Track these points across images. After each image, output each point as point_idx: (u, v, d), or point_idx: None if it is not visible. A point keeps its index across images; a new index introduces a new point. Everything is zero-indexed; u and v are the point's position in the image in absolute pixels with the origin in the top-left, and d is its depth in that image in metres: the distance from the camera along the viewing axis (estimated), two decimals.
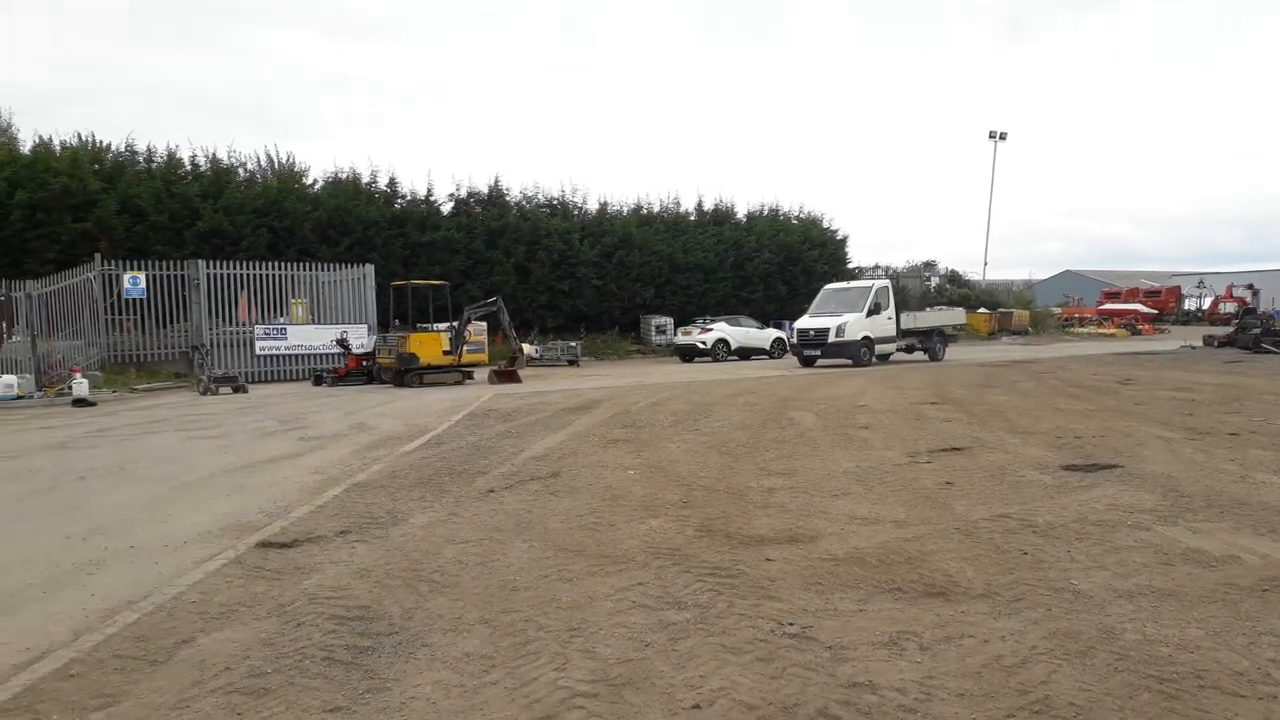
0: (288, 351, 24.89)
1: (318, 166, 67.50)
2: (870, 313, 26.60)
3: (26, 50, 71.94)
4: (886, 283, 28.91)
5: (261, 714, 3.38)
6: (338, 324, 25.37)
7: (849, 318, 26.27)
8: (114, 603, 4.89)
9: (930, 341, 28.78)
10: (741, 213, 44.55)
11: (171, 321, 24.74)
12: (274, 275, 25.51)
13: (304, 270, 26.17)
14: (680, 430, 11.27)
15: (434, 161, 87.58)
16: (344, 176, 34.88)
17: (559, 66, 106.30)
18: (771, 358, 32.11)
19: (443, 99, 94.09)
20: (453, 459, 9.55)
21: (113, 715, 3.42)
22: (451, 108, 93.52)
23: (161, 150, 32.05)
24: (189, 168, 31.92)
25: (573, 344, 31.05)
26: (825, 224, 46.22)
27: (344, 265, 27.29)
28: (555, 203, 39.37)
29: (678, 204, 43.03)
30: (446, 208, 36.64)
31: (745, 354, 32.07)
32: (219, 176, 31.49)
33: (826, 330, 26.09)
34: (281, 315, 25.58)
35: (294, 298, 25.84)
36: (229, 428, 13.35)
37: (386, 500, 7.44)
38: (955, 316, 32.14)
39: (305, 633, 4.22)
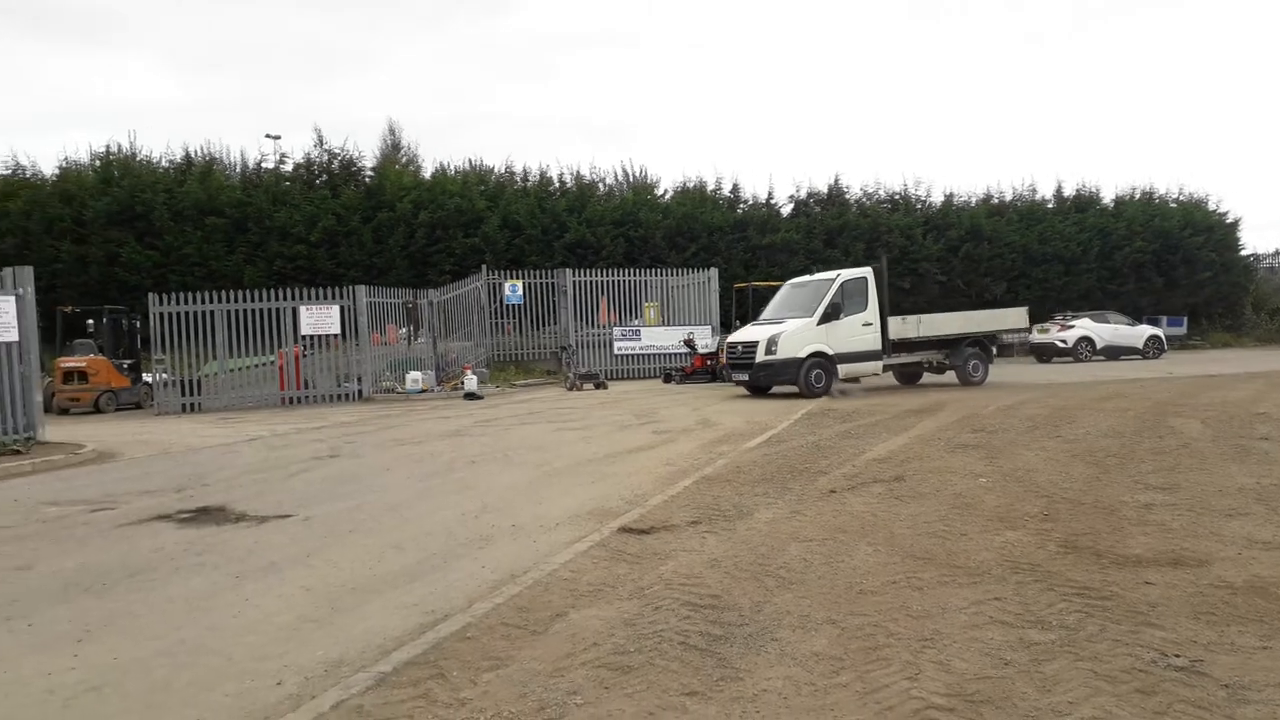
0: (641, 351, 26.48)
1: (668, 177, 71.05)
2: (826, 317, 17.54)
3: (427, 86, 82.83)
4: (863, 273, 18.42)
5: (625, 690, 3.64)
6: (685, 325, 26.54)
7: (788, 327, 17.49)
8: (500, 575, 5.50)
9: (961, 356, 19.14)
10: (1108, 197, 40.52)
11: (543, 324, 27.42)
12: (629, 281, 27.27)
13: (655, 275, 27.72)
14: (1038, 437, 10.49)
15: (774, 164, 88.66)
16: (690, 185, 36.44)
17: (904, 54, 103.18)
18: (1145, 358, 28.82)
19: (783, 101, 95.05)
20: (793, 457, 9.62)
21: (501, 677, 3.85)
22: (793, 110, 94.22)
23: (535, 170, 35.55)
24: (557, 185, 35.06)
25: None
26: (1211, 206, 40.71)
27: (690, 270, 28.51)
28: (896, 197, 38.29)
29: (1033, 191, 40.16)
30: (786, 210, 37.02)
31: (1113, 353, 29.05)
32: (583, 192, 34.25)
33: (754, 345, 17.55)
34: (636, 318, 27.27)
35: (647, 301, 27.45)
36: (592, 421, 14.47)
37: (732, 494, 7.67)
38: (1000, 319, 20.74)
39: (663, 616, 4.48)
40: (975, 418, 12.62)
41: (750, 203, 36.73)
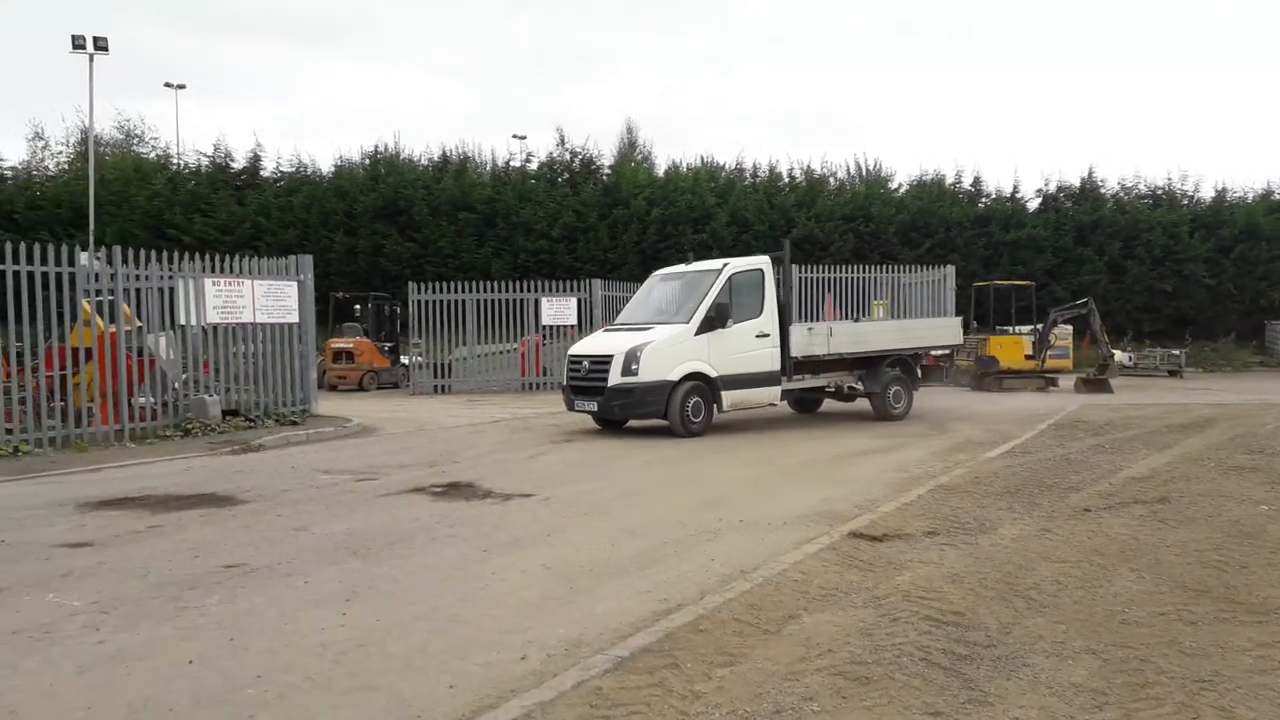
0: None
1: (903, 170, 68.69)
2: (708, 324, 12.46)
3: (662, 85, 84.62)
4: (758, 264, 13.38)
5: (864, 702, 3.53)
6: None
7: (655, 336, 12.41)
8: (730, 570, 5.51)
9: (880, 380, 14.12)
10: None
11: None
12: (858, 278, 26.54)
13: (886, 273, 26.82)
14: None
15: (1020, 156, 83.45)
16: (927, 179, 35.01)
17: (1164, 35, 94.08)
18: None
19: (1031, 90, 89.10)
20: (1040, 470, 9.02)
21: (735, 674, 3.84)
22: (1042, 99, 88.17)
23: (764, 166, 35.39)
24: (786, 180, 34.74)
25: (1175, 352, 27.30)
26: None
27: (924, 267, 27.38)
28: (1159, 192, 35.04)
29: None
30: (1032, 204, 34.77)
31: None
32: (812, 187, 33.75)
33: (607, 361, 12.37)
34: (863, 316, 26.53)
35: (876, 299, 26.62)
36: (817, 421, 14.24)
37: (972, 506, 7.29)
38: (938, 334, 15.68)
39: (901, 629, 4.31)
40: (1251, 437, 11.33)
41: (993, 196, 34.81)
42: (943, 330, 15.82)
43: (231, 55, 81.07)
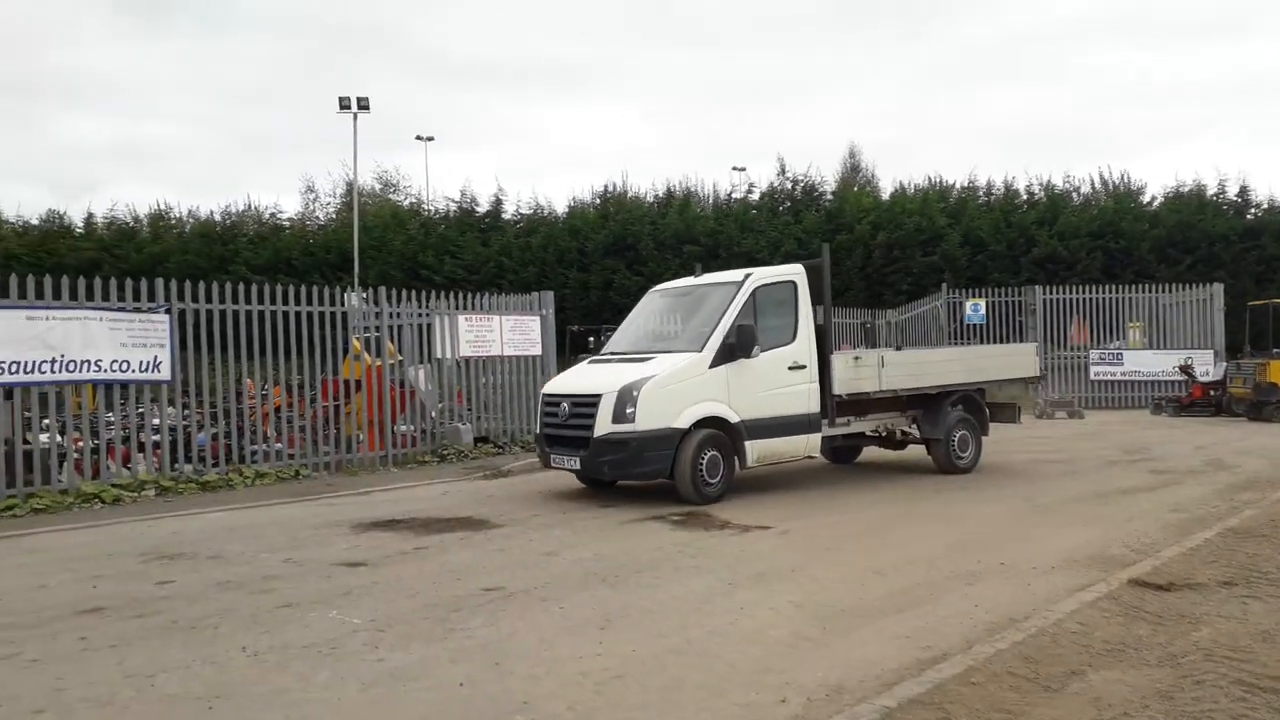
0: (1123, 377, 23.70)
1: (1155, 182, 63.41)
2: (727, 354, 9.50)
3: (885, 107, 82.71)
4: (789, 275, 10.41)
5: None
6: (1179, 349, 23.25)
7: (658, 369, 9.43)
8: (996, 617, 5.14)
9: (942, 423, 11.09)
10: None
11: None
12: (1108, 299, 24.58)
13: (1140, 292, 24.67)
14: None
15: None
16: (1185, 190, 32.05)
17: None
18: None
19: None
20: None
21: None
22: None
23: (999, 183, 33.68)
24: (1024, 197, 32.89)
25: None
26: None
27: (1186, 286, 24.95)
28: None
29: None
30: None
31: None
32: (1053, 203, 31.76)
33: (593, 402, 9.44)
34: (1115, 339, 24.50)
35: (1130, 321, 24.53)
36: (1071, 454, 13.21)
37: (1274, 553, 6.45)
38: (1010, 363, 12.41)
39: (1208, 694, 3.84)
40: None
41: (1264, 207, 31.31)
42: (1015, 359, 12.61)
43: (473, 105, 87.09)
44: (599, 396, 9.31)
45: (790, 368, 9.95)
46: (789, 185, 34.72)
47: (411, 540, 7.78)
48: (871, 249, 30.70)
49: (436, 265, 32.74)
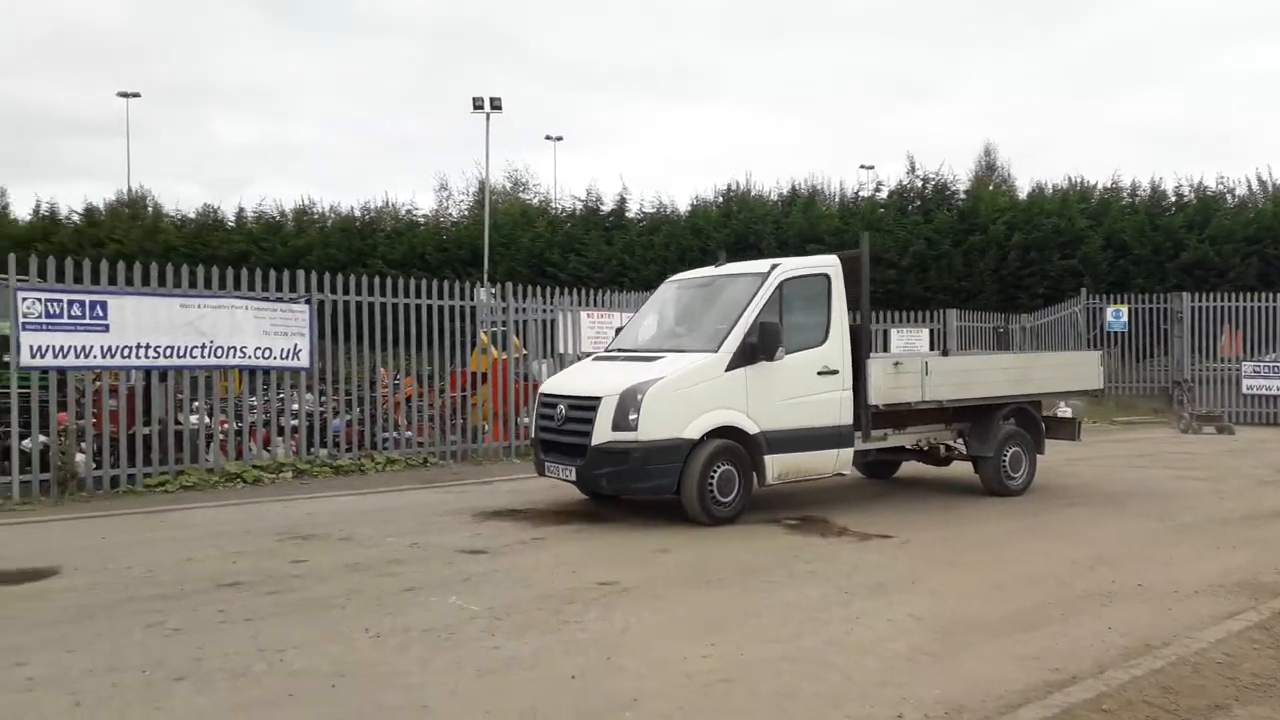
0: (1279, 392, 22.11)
1: None
2: (746, 355, 8.32)
3: (1022, 103, 79.52)
4: (820, 268, 9.22)
5: None
6: None
7: (667, 370, 8.30)
8: (1131, 642, 4.86)
9: (992, 439, 9.87)
10: None
11: (1149, 355, 24.35)
12: (1264, 307, 22.94)
13: None
14: None
15: None
16: None
17: None
18: None
19: None
20: None
21: None
22: None
23: (1145, 184, 31.92)
24: (1173, 199, 31.08)
25: None
26: None
27: None
28: None
29: None
30: None
31: None
32: (1205, 205, 29.87)
33: (592, 406, 8.27)
34: (1271, 351, 22.88)
35: None
36: (1219, 471, 12.38)
37: None
38: (1054, 372, 10.87)
39: None
40: None
41: None
42: (1077, 369, 11.19)
43: (600, 105, 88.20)
44: (599, 400, 8.16)
45: (820, 373, 8.75)
46: (919, 184, 33.74)
47: (530, 530, 7.93)
48: (1006, 250, 29.54)
49: (562, 262, 33.28)
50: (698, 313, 9.49)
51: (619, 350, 9.54)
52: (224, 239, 37.86)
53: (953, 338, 21.02)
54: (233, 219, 40.33)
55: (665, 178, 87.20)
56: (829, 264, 9.28)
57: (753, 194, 35.53)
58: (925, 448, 10.30)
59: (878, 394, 9.11)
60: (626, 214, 36.56)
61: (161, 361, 10.43)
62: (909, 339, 20.98)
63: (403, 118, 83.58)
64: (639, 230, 34.77)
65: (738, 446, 8.28)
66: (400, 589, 5.95)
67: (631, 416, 7.93)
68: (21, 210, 42.30)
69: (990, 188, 34.53)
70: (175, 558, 6.86)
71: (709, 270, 9.97)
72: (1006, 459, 9.94)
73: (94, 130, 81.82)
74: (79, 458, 10.01)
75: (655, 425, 7.94)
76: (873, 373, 9.08)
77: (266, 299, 11.34)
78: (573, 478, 8.42)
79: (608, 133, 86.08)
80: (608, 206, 37.03)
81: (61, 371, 9.84)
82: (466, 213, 43.24)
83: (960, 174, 35.92)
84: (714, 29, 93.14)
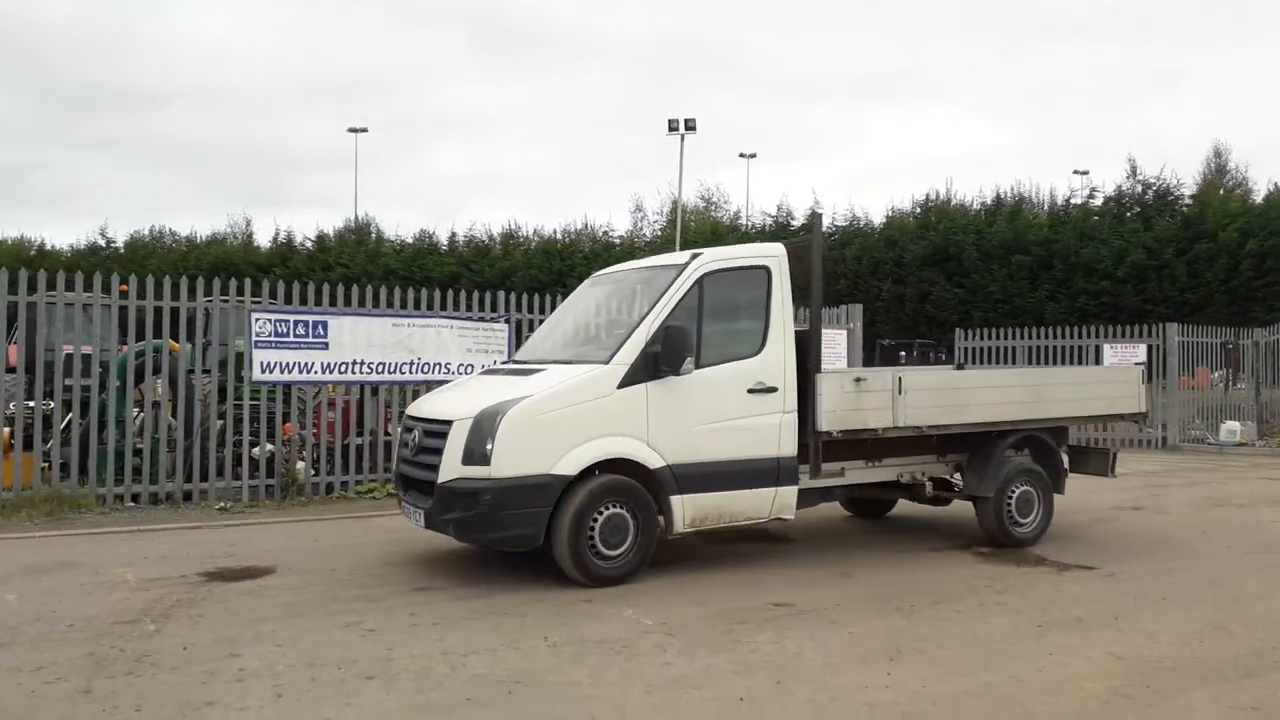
0: None
1: None
2: (646, 366, 6.47)
3: (1260, 101, 72.31)
4: (757, 259, 7.16)
5: None
6: None
7: (537, 385, 6.52)
8: None
9: (993, 474, 7.47)
10: None
11: None
12: None
13: None
14: None
15: None
16: None
17: None
18: None
19: None
20: None
21: None
22: None
23: None
24: None
25: None
26: None
27: None
28: None
29: None
30: None
31: None
32: None
33: (442, 433, 6.45)
34: None
35: None
36: None
37: None
38: (1078, 391, 8.28)
39: None
40: None
41: None
42: (1106, 388, 9.17)
43: (793, 119, 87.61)
44: (450, 424, 6.55)
45: (753, 390, 6.97)
46: (1139, 189, 31.47)
47: (715, 546, 7.91)
48: (1238, 259, 26.99)
49: None
50: (599, 315, 7.99)
51: (517, 362, 7.95)
52: (438, 262, 40.33)
53: (1174, 354, 19.31)
54: (445, 243, 42.94)
55: (858, 191, 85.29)
56: (769, 254, 7.46)
57: (953, 203, 34.25)
58: (908, 479, 8.14)
59: (831, 418, 7.13)
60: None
61: (374, 377, 11.21)
62: (1124, 355, 19.49)
63: (604, 140, 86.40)
64: (830, 244, 34.29)
65: (634, 485, 6.57)
66: (578, 599, 6.08)
67: (486, 446, 6.25)
68: (263, 238, 46.61)
69: (1221, 192, 31.61)
70: (376, 559, 7.33)
71: (631, 265, 8.57)
72: (1013, 500, 7.99)
73: (327, 163, 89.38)
74: (300, 465, 10.91)
75: (514, 458, 6.25)
76: (824, 391, 7.14)
77: (469, 319, 11.98)
78: (423, 522, 6.71)
79: (800, 147, 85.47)
80: (798, 221, 36.73)
81: (287, 386, 10.79)
82: (659, 232, 44.04)
83: (1185, 178, 33.22)
84: (910, 36, 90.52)
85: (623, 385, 6.55)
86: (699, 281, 6.98)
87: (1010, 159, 79.34)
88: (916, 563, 7.42)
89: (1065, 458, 8.73)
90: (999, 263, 29.97)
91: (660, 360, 6.57)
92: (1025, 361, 19.84)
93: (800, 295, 7.67)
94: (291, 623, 5.49)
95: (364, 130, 51.00)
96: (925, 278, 30.87)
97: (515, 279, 35.28)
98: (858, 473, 7.82)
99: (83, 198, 78.18)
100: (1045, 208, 33.72)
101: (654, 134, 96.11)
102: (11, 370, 9.98)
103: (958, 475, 8.35)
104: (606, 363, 6.65)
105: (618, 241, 41.62)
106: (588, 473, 6.40)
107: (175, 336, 10.29)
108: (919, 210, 34.30)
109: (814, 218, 8.28)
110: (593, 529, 6.38)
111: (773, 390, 7.04)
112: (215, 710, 4.15)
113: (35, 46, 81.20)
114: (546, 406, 6.41)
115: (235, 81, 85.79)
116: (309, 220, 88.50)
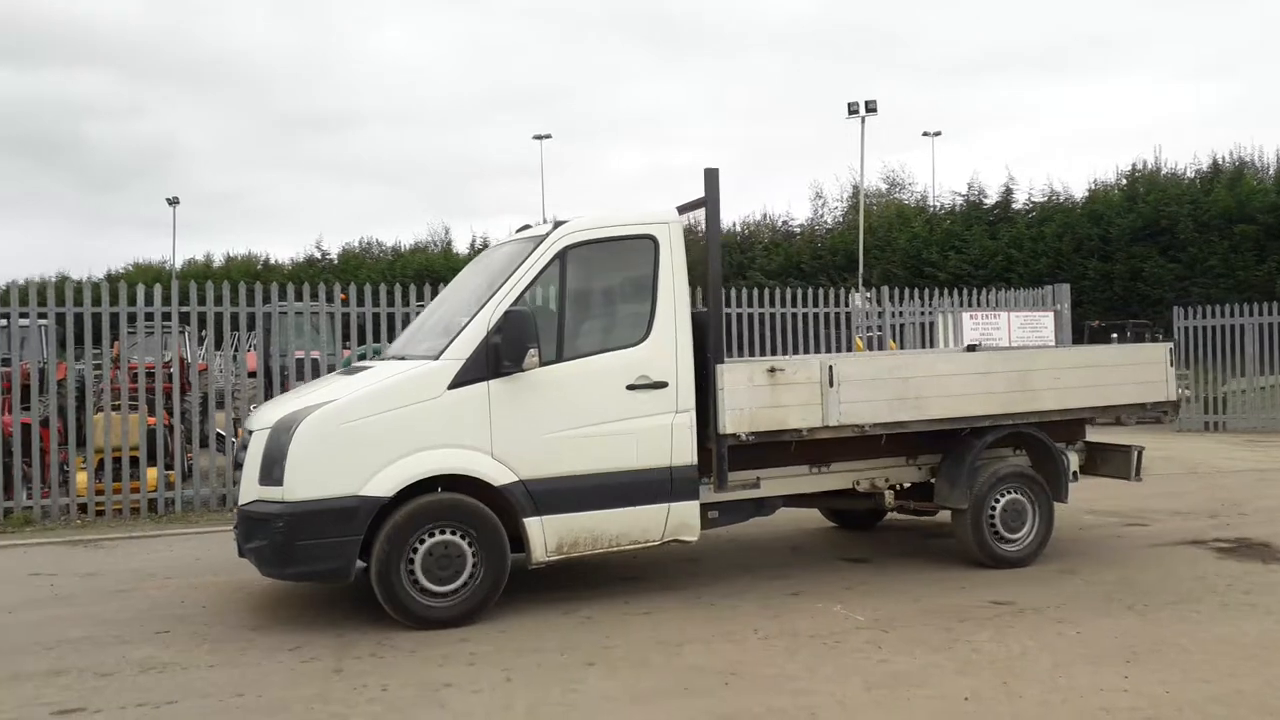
0: None
1: None
2: (487, 359, 4.87)
3: None
4: (641, 227, 5.43)
5: None
6: None
7: (347, 389, 4.99)
8: None
9: (970, 480, 5.57)
10: None
11: None
12: None
13: None
14: None
15: None
16: None
17: None
18: None
19: None
20: None
21: None
22: None
23: None
24: None
25: None
26: None
27: None
28: None
29: None
30: None
31: None
32: None
33: (246, 445, 5.13)
34: None
35: None
36: None
37: None
38: (1084, 375, 5.96)
39: None
40: None
41: None
42: (1123, 371, 7.23)
43: (981, 94, 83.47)
44: (251, 434, 5.69)
45: (635, 386, 5.77)
46: None
47: (912, 540, 7.71)
48: None
49: (940, 262, 31.99)
50: (448, 301, 6.78)
51: (386, 357, 6.81)
52: None
53: None
54: None
55: (1057, 164, 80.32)
56: (655, 221, 6.15)
57: (1163, 172, 31.70)
58: (880, 487, 6.73)
59: (738, 417, 5.87)
60: (1013, 205, 34.46)
61: None
62: None
63: (779, 128, 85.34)
64: (1027, 222, 32.58)
65: (472, 505, 5.48)
66: (786, 592, 6.07)
67: (282, 464, 5.26)
68: (461, 244, 48.93)
69: None
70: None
71: (511, 236, 6.91)
72: (996, 511, 6.59)
73: (514, 171, 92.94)
74: None
75: (310, 476, 5.24)
76: (728, 385, 5.89)
77: None
78: (241, 549, 5.63)
79: (990, 121, 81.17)
80: (991, 199, 35.11)
81: None
82: (841, 218, 43.08)
83: None
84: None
85: (456, 385, 5.46)
86: (559, 255, 5.81)
87: (1223, 122, 72.24)
88: (1145, 559, 6.95)
89: (1069, 458, 7.21)
90: (1219, 234, 27.46)
91: (504, 355, 5.48)
92: (1254, 339, 18.16)
93: (698, 273, 6.38)
94: (512, 610, 5.76)
95: (548, 136, 52.59)
96: (1136, 253, 28.68)
97: (694, 273, 35.43)
98: (794, 481, 6.51)
99: (297, 213, 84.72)
100: (1271, 171, 30.65)
101: (831, 119, 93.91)
102: (252, 375, 10.98)
103: (931, 479, 6.95)
104: (436, 358, 5.56)
105: (798, 230, 41.03)
106: (403, 494, 5.31)
107: (391, 340, 11.01)
108: (1124, 182, 31.91)
109: (709, 174, 6.29)
110: (412, 561, 5.31)
111: (661, 386, 5.83)
112: (453, 692, 4.42)
113: (252, 76, 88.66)
114: (353, 413, 5.36)
115: (426, 97, 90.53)
116: (501, 226, 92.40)
